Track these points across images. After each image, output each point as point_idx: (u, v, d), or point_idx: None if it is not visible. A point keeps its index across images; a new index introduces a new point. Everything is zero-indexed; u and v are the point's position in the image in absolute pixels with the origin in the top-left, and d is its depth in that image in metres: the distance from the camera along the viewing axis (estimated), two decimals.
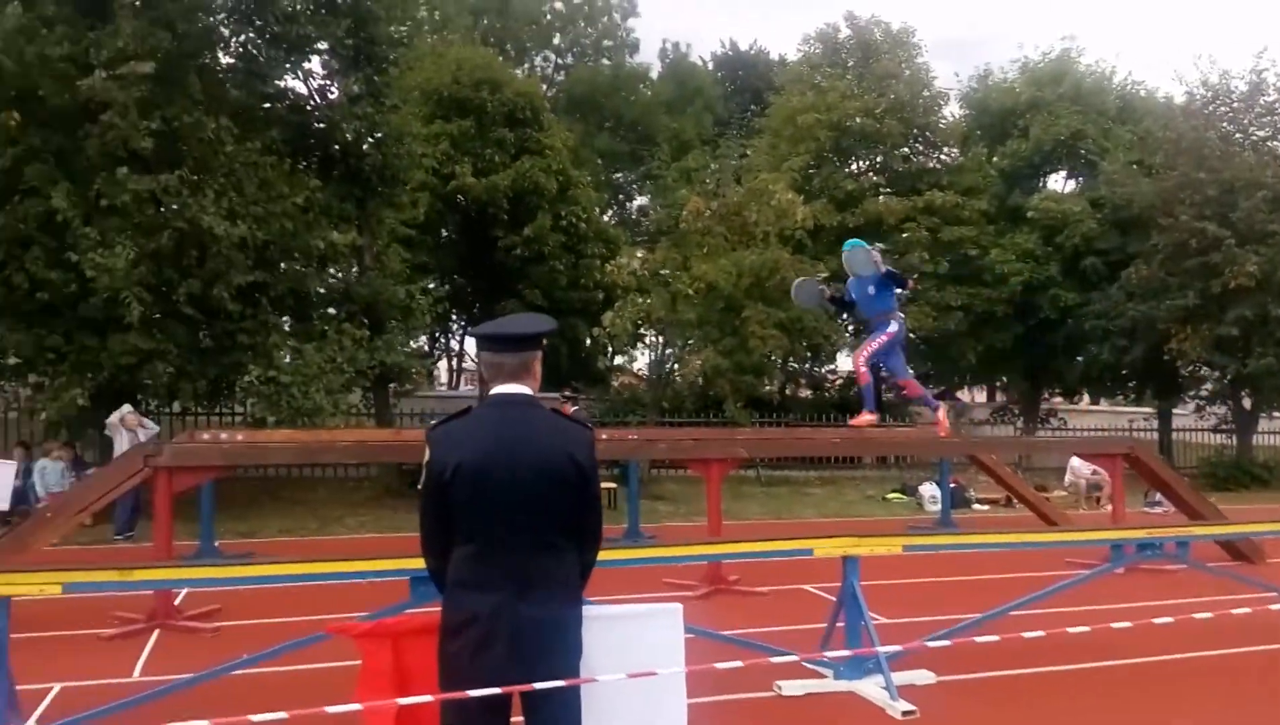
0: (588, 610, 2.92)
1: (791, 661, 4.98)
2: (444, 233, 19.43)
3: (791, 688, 5.07)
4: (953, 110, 23.88)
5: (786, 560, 5.88)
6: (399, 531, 11.95)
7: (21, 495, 11.21)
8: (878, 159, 22.80)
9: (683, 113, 28.53)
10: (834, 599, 5.52)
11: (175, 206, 10.69)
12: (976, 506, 15.02)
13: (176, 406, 13.69)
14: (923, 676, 5.28)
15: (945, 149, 22.96)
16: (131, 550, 9.89)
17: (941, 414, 9.14)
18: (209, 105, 11.61)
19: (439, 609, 2.85)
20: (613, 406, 19.28)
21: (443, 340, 29.93)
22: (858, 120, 21.29)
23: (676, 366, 17.39)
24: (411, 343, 16.89)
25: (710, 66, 33.40)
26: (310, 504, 14.06)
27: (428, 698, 2.87)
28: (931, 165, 22.54)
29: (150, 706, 4.46)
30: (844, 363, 23.72)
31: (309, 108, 13.64)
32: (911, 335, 21.62)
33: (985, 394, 29.71)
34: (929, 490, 15.04)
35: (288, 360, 11.69)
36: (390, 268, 15.33)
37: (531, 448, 2.74)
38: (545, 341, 3.04)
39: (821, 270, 17.35)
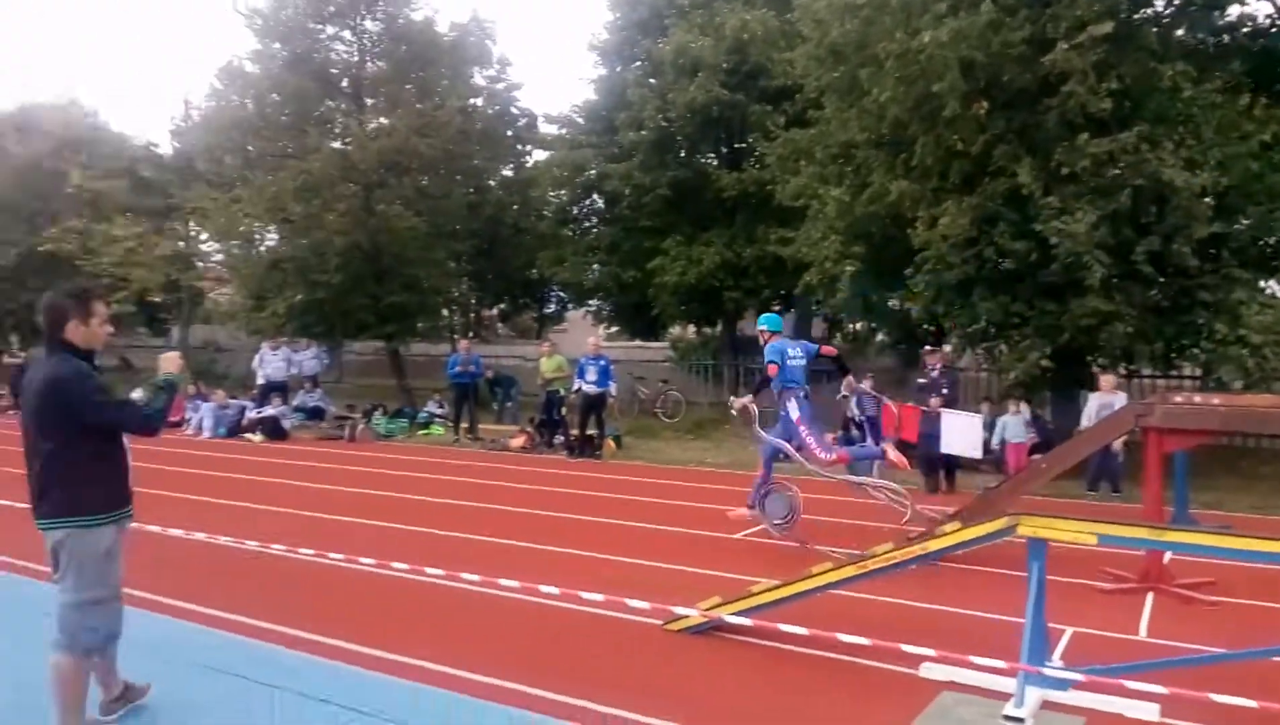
0: None
1: None
2: None
3: None
4: None
5: None
6: None
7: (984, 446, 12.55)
8: None
9: None
10: None
11: (1132, 163, 10.50)
12: None
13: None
14: None
15: None
16: (1101, 507, 10.06)
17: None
18: (1162, 53, 11.07)
19: None
20: None
21: None
22: None
23: None
24: None
25: None
26: (1272, 480, 12.40)
27: None
28: None
29: (1171, 673, 4.40)
30: None
31: (1274, 29, 11.86)
32: None
33: None
34: None
35: (1256, 317, 10.45)
36: None
37: None
38: None
39: None
